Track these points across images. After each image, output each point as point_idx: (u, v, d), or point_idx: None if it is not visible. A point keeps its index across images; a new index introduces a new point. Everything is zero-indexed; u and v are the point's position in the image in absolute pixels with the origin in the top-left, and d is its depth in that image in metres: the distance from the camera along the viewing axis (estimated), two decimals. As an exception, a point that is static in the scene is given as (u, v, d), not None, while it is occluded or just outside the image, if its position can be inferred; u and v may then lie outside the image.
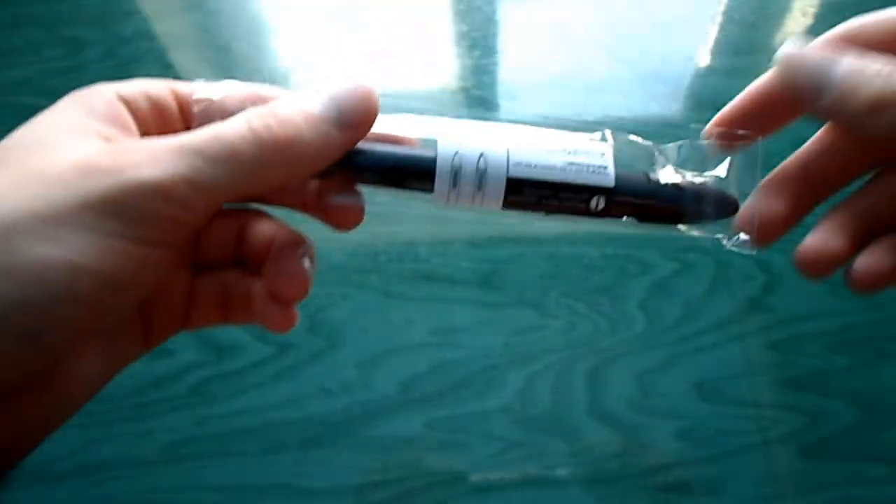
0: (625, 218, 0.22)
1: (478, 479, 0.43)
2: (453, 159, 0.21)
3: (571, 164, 0.21)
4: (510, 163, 0.21)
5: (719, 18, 0.66)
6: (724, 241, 0.23)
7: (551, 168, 0.21)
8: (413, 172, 0.22)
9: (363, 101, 0.21)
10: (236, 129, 0.19)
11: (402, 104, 0.60)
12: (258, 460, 0.43)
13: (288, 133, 0.19)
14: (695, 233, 0.23)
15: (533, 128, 0.22)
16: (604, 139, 0.23)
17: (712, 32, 0.65)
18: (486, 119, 0.60)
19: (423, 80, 0.63)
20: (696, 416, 0.44)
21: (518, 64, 0.64)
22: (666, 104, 0.61)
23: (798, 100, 0.21)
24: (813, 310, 0.48)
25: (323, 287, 0.49)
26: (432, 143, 0.22)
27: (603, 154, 0.22)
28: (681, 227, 0.23)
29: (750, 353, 0.46)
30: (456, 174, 0.21)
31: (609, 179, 0.21)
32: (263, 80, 0.65)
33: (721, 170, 0.23)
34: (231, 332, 0.48)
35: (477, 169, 0.21)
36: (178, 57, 0.64)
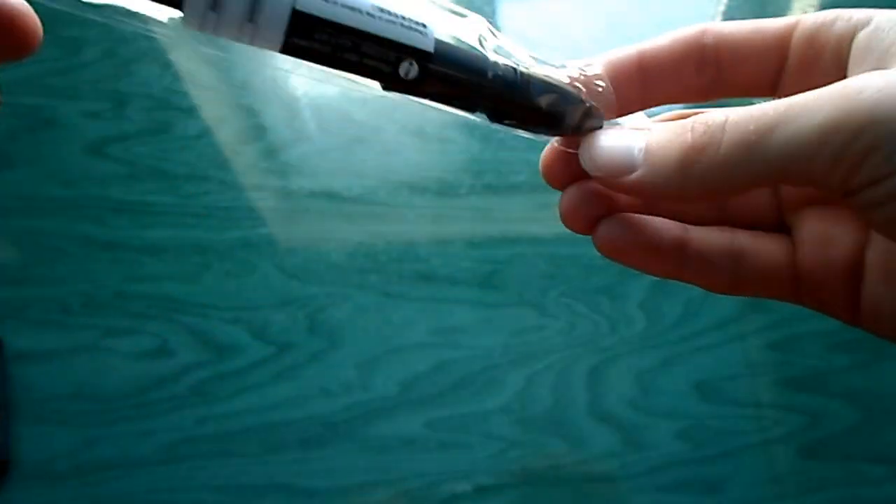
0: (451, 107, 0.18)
1: (478, 479, 0.43)
2: None
3: (383, 10, 0.16)
4: None
5: (719, 18, 0.66)
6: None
7: (356, 8, 0.16)
8: None
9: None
10: None
11: (403, 104, 0.60)
12: (258, 460, 0.43)
13: None
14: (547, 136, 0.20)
15: None
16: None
17: (712, 32, 0.65)
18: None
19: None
20: (696, 416, 0.44)
21: (518, 64, 0.64)
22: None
23: (602, 182, 0.19)
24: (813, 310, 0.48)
25: (323, 287, 0.49)
26: None
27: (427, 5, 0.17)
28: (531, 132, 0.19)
29: (750, 353, 0.46)
30: None
31: (427, 41, 0.17)
32: (263, 81, 0.65)
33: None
34: (231, 332, 0.48)
35: None
36: (177, 57, 0.64)
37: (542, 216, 0.52)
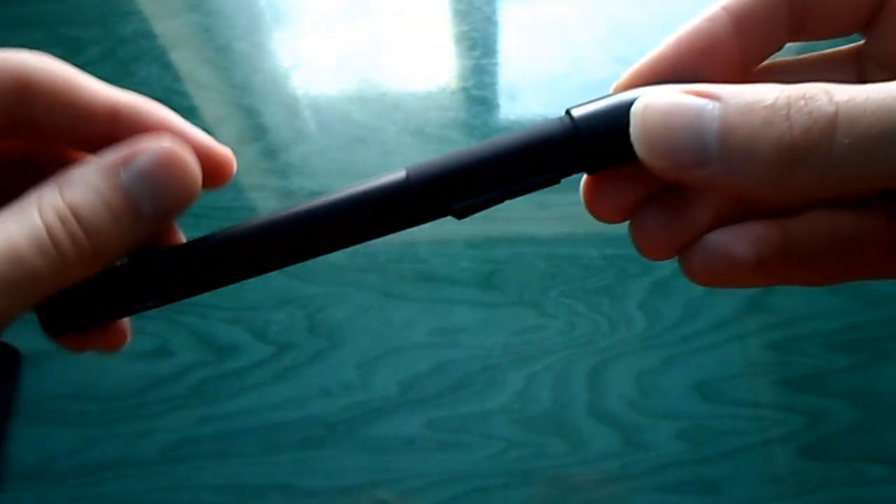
0: None
1: (478, 479, 0.43)
2: None
3: None
4: None
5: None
6: None
7: None
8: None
9: (181, 181, 0.17)
10: (31, 240, 0.15)
11: (403, 104, 0.60)
12: (258, 460, 0.43)
13: (95, 243, 0.16)
14: None
15: None
16: None
17: (712, 32, 0.65)
18: (485, 119, 0.60)
19: (423, 80, 0.63)
20: (696, 416, 0.44)
21: (518, 64, 0.64)
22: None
23: (664, 174, 0.15)
24: (813, 310, 0.48)
25: (323, 287, 0.49)
26: None
27: None
28: None
29: (750, 353, 0.46)
30: None
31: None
32: (263, 81, 0.66)
33: None
34: (231, 332, 0.48)
35: None
36: (177, 57, 0.64)
37: (542, 216, 0.52)
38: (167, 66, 0.63)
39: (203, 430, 0.44)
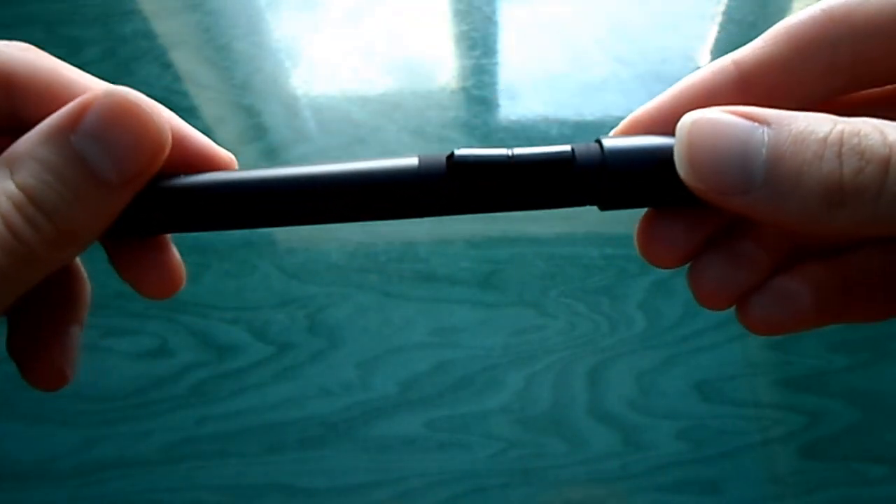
0: None
1: (478, 479, 0.43)
2: None
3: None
4: None
5: (719, 18, 0.66)
6: None
7: None
8: None
9: (140, 135, 0.14)
10: None
11: (403, 104, 0.60)
12: (258, 460, 0.43)
13: (60, 225, 0.14)
14: None
15: None
16: None
17: (712, 32, 0.65)
18: (485, 119, 0.60)
19: (423, 79, 0.63)
20: (696, 416, 0.44)
21: (518, 64, 0.64)
22: (666, 104, 0.61)
23: (705, 196, 0.14)
24: None
25: (323, 287, 0.49)
26: None
27: None
28: None
29: (750, 353, 0.46)
30: None
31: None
32: (263, 81, 0.66)
33: None
34: (231, 332, 0.48)
35: None
36: (178, 57, 0.64)
37: (542, 216, 0.52)
38: (167, 65, 0.63)
39: (203, 430, 0.44)
